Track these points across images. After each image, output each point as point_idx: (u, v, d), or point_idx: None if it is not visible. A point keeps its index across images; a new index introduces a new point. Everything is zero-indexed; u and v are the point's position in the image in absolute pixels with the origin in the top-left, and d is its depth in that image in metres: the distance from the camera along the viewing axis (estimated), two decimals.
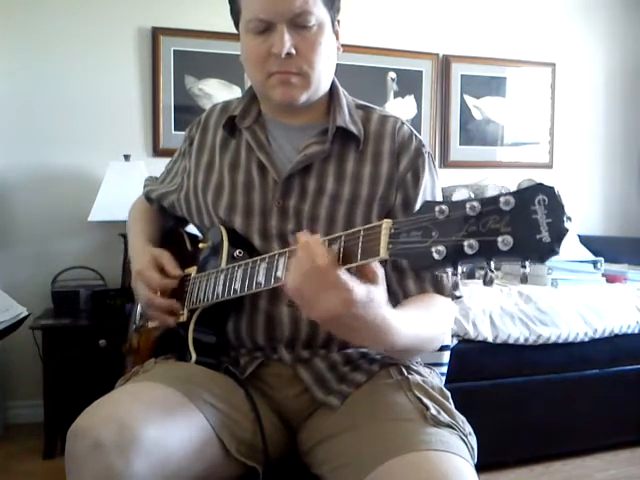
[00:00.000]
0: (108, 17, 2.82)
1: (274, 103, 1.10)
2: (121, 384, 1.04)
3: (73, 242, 2.80)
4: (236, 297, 0.97)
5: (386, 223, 0.72)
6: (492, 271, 0.63)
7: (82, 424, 0.85)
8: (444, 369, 1.26)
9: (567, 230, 0.57)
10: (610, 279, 2.74)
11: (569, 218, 0.58)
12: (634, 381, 2.48)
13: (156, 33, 2.87)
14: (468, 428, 0.96)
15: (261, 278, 0.90)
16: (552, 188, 0.59)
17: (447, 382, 1.19)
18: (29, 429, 2.60)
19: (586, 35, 3.63)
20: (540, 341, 2.30)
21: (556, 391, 2.37)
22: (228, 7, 1.11)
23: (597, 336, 2.38)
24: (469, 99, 3.40)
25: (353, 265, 0.75)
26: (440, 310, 1.04)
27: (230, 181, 1.13)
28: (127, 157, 2.68)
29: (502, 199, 0.60)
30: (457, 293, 1.08)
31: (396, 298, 1.05)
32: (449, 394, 1.01)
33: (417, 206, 1.08)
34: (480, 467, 0.91)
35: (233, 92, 2.95)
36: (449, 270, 0.65)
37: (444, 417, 0.93)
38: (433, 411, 0.93)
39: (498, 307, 2.30)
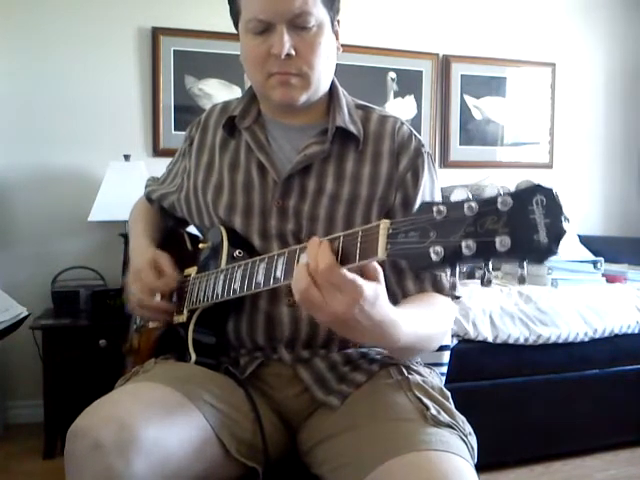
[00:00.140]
0: (108, 17, 2.82)
1: (274, 103, 1.10)
2: (121, 384, 1.04)
3: (73, 242, 2.80)
4: (236, 297, 0.97)
5: (384, 223, 0.72)
6: (490, 272, 0.63)
7: (82, 424, 0.84)
8: (444, 369, 1.26)
9: (565, 231, 0.57)
10: (610, 279, 2.74)
11: (567, 219, 0.58)
12: (634, 381, 2.48)
13: (156, 33, 2.87)
14: (468, 428, 0.96)
15: (260, 278, 0.90)
16: (550, 189, 0.59)
17: (447, 382, 1.19)
18: (29, 429, 2.60)
19: (586, 35, 3.63)
20: (540, 341, 2.30)
21: (556, 391, 2.37)
22: (228, 7, 1.11)
23: (597, 336, 2.38)
24: (469, 99, 3.40)
25: (352, 266, 0.75)
26: (440, 309, 1.04)
27: (230, 181, 1.13)
28: (127, 157, 2.68)
29: (500, 200, 0.60)
30: (456, 293, 1.08)
31: (395, 298, 1.05)
32: (449, 394, 1.01)
33: (417, 206, 1.08)
34: (480, 467, 0.91)
35: (233, 92, 2.95)
36: (447, 271, 0.65)
37: (444, 417, 0.93)
38: (433, 411, 0.93)
39: (498, 307, 2.30)
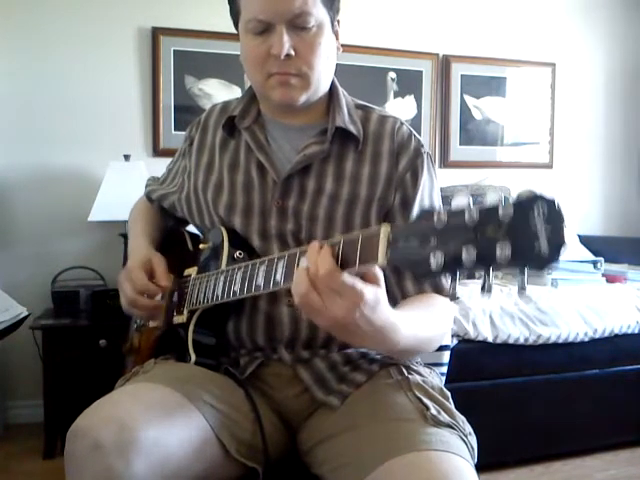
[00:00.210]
0: (108, 17, 2.82)
1: (273, 104, 1.10)
2: (121, 385, 1.04)
3: (73, 242, 2.80)
4: (236, 299, 0.97)
5: (384, 229, 0.72)
6: (490, 280, 0.63)
7: (82, 425, 0.84)
8: (444, 369, 1.26)
9: (566, 242, 0.57)
10: (610, 279, 2.74)
11: (566, 226, 0.58)
12: (634, 381, 2.48)
13: (156, 33, 2.87)
14: (468, 428, 0.96)
15: (260, 281, 0.90)
16: (552, 199, 0.59)
17: (447, 382, 1.19)
18: (29, 429, 2.60)
19: (586, 35, 3.62)
20: (540, 341, 2.30)
21: (556, 391, 2.37)
22: (228, 7, 1.11)
23: (597, 336, 2.38)
24: (469, 99, 3.40)
25: (352, 271, 0.75)
26: (440, 310, 1.04)
27: (229, 181, 1.13)
28: (127, 157, 2.68)
29: (501, 209, 0.60)
30: (456, 294, 1.08)
31: (394, 298, 1.05)
32: (449, 394, 1.01)
33: (416, 206, 1.09)
34: (480, 467, 0.91)
35: (233, 92, 2.95)
36: (448, 278, 0.65)
37: (444, 417, 0.93)
38: (433, 411, 0.94)
39: (498, 307, 2.30)
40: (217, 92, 2.94)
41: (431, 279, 1.04)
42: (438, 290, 1.06)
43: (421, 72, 3.30)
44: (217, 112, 1.21)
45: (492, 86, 3.44)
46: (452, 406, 0.99)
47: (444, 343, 1.20)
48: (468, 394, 2.09)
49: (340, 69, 1.15)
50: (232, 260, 1.04)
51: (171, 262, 1.17)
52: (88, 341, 2.38)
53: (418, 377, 1.03)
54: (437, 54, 3.33)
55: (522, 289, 0.61)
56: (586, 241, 3.18)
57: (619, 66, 3.71)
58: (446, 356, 1.26)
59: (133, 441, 0.82)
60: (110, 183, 2.57)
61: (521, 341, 2.28)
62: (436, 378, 1.09)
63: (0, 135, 2.72)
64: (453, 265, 0.63)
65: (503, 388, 2.30)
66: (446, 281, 1.05)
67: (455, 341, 2.18)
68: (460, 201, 0.64)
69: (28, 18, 2.73)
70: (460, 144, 3.40)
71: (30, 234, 2.76)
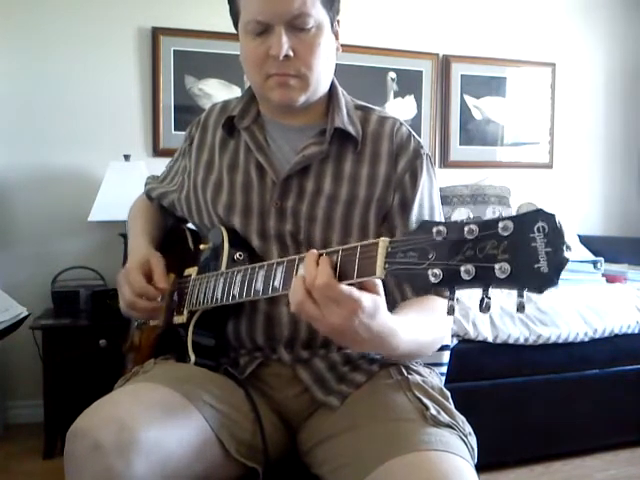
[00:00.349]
0: (108, 17, 2.82)
1: (272, 104, 1.10)
2: (121, 385, 1.04)
3: (73, 242, 2.80)
4: (235, 303, 0.97)
5: (383, 242, 0.72)
6: (489, 297, 0.62)
7: (82, 425, 0.84)
8: (444, 369, 1.25)
9: (567, 260, 0.56)
10: (610, 279, 2.74)
11: (569, 247, 0.57)
12: (634, 381, 2.48)
13: (156, 33, 2.87)
14: (468, 428, 0.96)
15: (259, 286, 0.90)
16: (553, 215, 0.58)
17: (447, 382, 1.19)
18: (29, 429, 2.60)
19: (586, 35, 3.62)
20: (540, 341, 2.30)
21: (556, 391, 2.37)
22: (228, 7, 1.11)
23: (597, 336, 2.38)
24: (469, 99, 3.40)
25: (349, 282, 0.75)
26: (439, 314, 1.03)
27: (229, 181, 1.13)
28: (127, 157, 2.68)
29: (501, 224, 0.59)
30: (453, 309, 1.08)
31: (394, 301, 1.05)
32: (449, 394, 1.01)
33: (415, 208, 1.09)
34: (480, 467, 0.91)
35: (233, 92, 2.95)
36: (446, 293, 0.65)
37: (444, 417, 0.93)
38: (433, 411, 0.93)
39: (498, 307, 2.29)
40: (217, 92, 2.94)
41: (429, 292, 1.04)
42: (437, 292, 1.06)
43: (421, 72, 3.30)
44: (217, 111, 1.21)
45: (492, 86, 3.44)
46: (452, 406, 0.98)
47: (444, 343, 1.20)
48: (468, 394, 2.09)
49: (340, 69, 1.15)
50: (232, 261, 1.04)
51: (172, 260, 1.17)
52: (88, 341, 2.38)
53: (418, 377, 1.03)
54: (437, 54, 3.33)
55: (521, 308, 0.60)
56: (586, 241, 3.18)
57: (619, 66, 3.71)
58: (446, 356, 1.26)
59: (133, 441, 0.82)
60: (110, 183, 2.57)
61: (521, 341, 2.28)
62: (436, 378, 1.09)
63: (0, 135, 2.72)
64: (451, 281, 0.63)
65: (503, 388, 2.30)
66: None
67: (455, 341, 2.18)
68: (460, 215, 0.64)
69: (28, 18, 2.73)
70: (460, 144, 3.40)
71: (30, 234, 2.76)
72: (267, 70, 1.04)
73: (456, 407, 0.99)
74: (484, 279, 0.60)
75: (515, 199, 3.19)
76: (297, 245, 1.07)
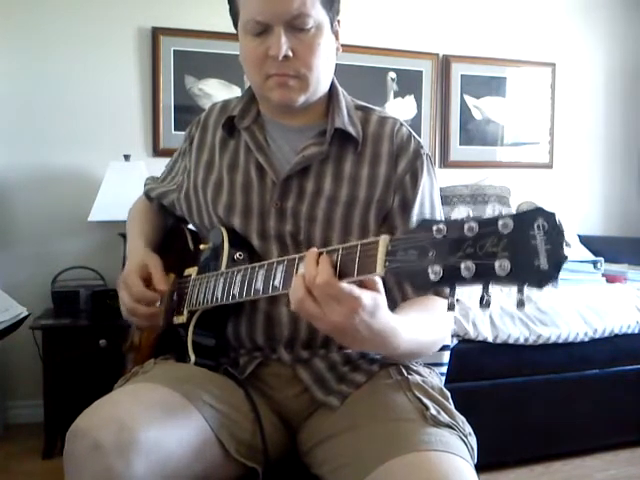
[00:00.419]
0: (108, 17, 2.82)
1: (272, 104, 1.10)
2: (120, 385, 1.04)
3: (73, 242, 2.80)
4: (235, 302, 0.97)
5: (383, 240, 0.72)
6: (489, 294, 0.62)
7: (82, 425, 0.84)
8: (444, 369, 1.25)
9: (566, 258, 0.57)
10: (610, 279, 2.74)
11: (568, 244, 0.57)
12: (634, 381, 2.48)
13: (156, 33, 2.87)
14: (468, 428, 0.96)
15: (259, 285, 0.90)
16: (552, 213, 0.58)
17: (447, 382, 1.19)
18: (29, 429, 2.60)
19: (586, 35, 3.62)
20: (540, 341, 2.30)
21: (556, 391, 2.37)
22: (228, 7, 1.11)
23: (597, 336, 2.38)
24: (469, 99, 3.40)
25: (350, 280, 0.76)
26: (440, 313, 1.03)
27: (229, 181, 1.13)
28: (127, 157, 2.68)
29: (501, 222, 0.60)
30: (454, 305, 1.08)
31: (394, 300, 1.05)
32: (449, 394, 1.01)
33: (415, 208, 1.09)
34: (480, 467, 0.92)
35: (233, 92, 2.95)
36: (447, 290, 0.65)
37: (444, 417, 0.93)
38: (433, 411, 0.93)
39: (498, 307, 2.30)
40: (217, 92, 2.94)
41: (430, 290, 1.04)
42: (438, 292, 1.06)
43: (421, 72, 3.30)
44: (217, 111, 1.21)
45: (492, 86, 3.44)
46: (452, 406, 0.99)
47: (444, 343, 1.20)
48: (468, 394, 2.09)
49: (340, 69, 1.15)
50: (232, 261, 1.04)
51: (171, 260, 1.16)
52: (88, 341, 2.38)
53: (418, 377, 1.03)
54: (437, 54, 3.33)
55: (521, 305, 0.60)
56: (586, 241, 3.18)
57: (619, 66, 3.71)
58: (446, 356, 1.26)
59: (133, 441, 0.82)
60: (110, 183, 2.57)
61: (521, 341, 2.28)
62: (436, 378, 1.09)
63: (0, 135, 2.72)
64: (451, 279, 0.63)
65: (503, 388, 2.30)
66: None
67: (455, 341, 2.18)
68: (460, 213, 0.64)
69: (28, 18, 2.73)
70: (460, 144, 3.40)
71: (30, 234, 2.76)
72: (267, 70, 1.04)
73: (456, 407, 0.99)
74: (484, 276, 0.61)
75: (515, 199, 3.19)
76: (297, 245, 1.07)
